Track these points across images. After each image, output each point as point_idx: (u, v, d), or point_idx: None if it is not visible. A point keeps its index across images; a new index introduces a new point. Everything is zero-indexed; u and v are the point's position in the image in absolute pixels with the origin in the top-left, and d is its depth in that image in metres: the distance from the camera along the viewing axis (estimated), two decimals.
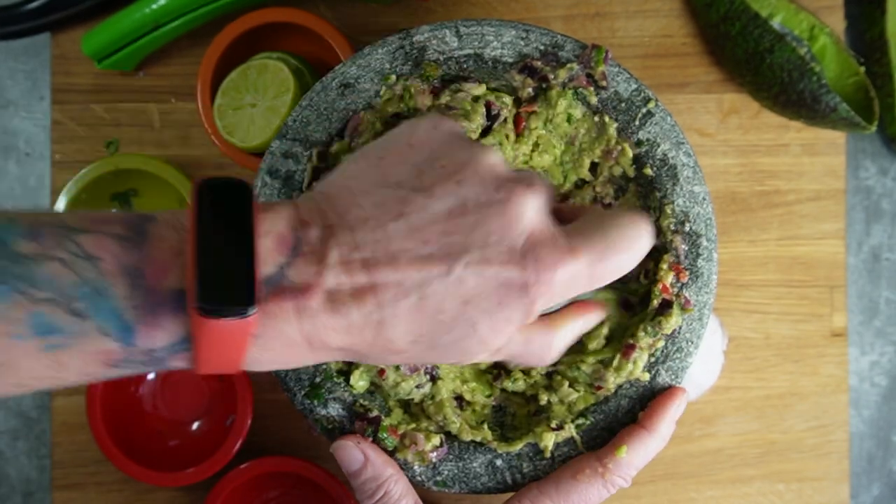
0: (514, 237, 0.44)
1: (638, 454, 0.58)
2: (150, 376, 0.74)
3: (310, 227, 0.44)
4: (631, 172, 0.60)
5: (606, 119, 0.59)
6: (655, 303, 0.59)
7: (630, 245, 0.48)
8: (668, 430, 0.59)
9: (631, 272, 0.50)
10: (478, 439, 0.60)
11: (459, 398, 0.62)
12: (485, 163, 0.46)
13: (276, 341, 0.43)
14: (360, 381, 0.60)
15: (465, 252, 0.44)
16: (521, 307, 0.45)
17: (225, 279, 0.41)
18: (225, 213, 0.42)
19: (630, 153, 0.59)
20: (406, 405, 0.62)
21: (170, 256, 0.42)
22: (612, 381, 0.59)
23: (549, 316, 0.52)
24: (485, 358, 0.48)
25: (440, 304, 0.44)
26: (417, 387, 0.60)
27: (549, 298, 0.46)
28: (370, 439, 0.58)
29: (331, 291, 0.43)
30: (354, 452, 0.57)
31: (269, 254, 0.43)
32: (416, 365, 0.60)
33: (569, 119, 0.60)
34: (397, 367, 0.60)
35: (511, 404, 0.62)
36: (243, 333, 0.42)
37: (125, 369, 0.43)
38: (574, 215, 0.52)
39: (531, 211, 0.45)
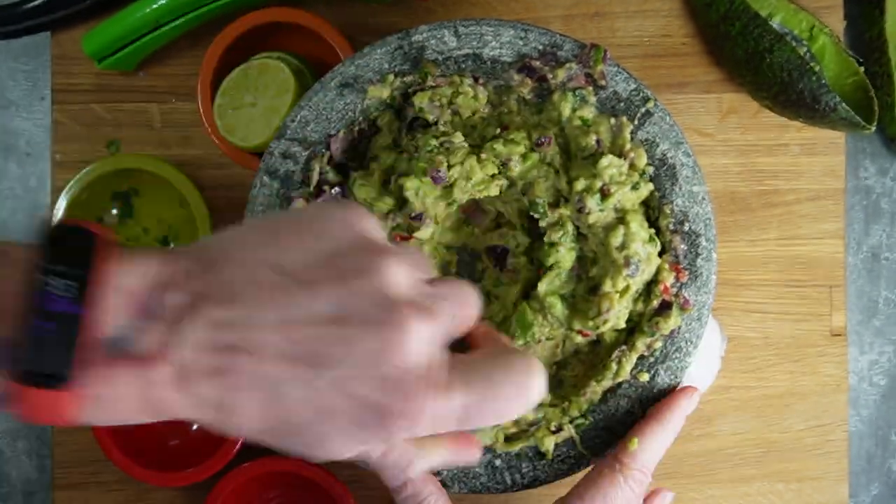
0: (389, 362, 0.41)
1: (650, 445, 0.58)
2: None
3: (175, 291, 0.40)
4: (649, 171, 0.60)
5: (624, 120, 0.59)
6: (655, 303, 0.59)
7: (515, 395, 0.44)
8: (679, 422, 0.59)
9: None
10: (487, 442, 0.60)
11: None
12: (386, 278, 0.41)
13: (112, 406, 0.40)
14: None
15: (333, 366, 0.40)
16: (377, 435, 0.42)
17: (52, 340, 0.38)
18: (69, 261, 0.39)
19: (644, 156, 0.59)
20: None
21: (5, 300, 0.39)
22: (598, 387, 0.60)
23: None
24: (336, 459, 0.44)
25: (293, 409, 0.41)
26: None
27: (411, 432, 0.42)
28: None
29: (182, 366, 0.40)
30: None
31: (116, 313, 0.40)
32: None
33: (583, 122, 0.60)
34: None
35: (574, 363, 0.62)
36: (69, 399, 0.39)
37: None
38: (480, 338, 0.50)
39: (416, 343, 0.41)
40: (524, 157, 0.59)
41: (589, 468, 0.59)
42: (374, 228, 0.45)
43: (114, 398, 0.40)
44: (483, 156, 0.58)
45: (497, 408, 0.44)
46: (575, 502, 0.58)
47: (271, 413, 0.41)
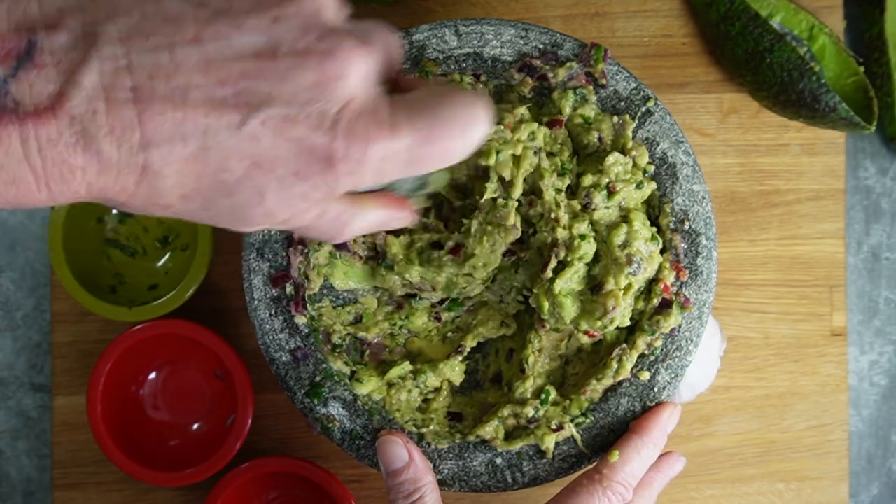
0: (329, 99, 0.37)
1: (631, 459, 0.57)
2: (151, 376, 0.74)
3: (57, 30, 0.34)
4: (650, 170, 0.60)
5: (627, 118, 0.59)
6: (655, 301, 0.59)
7: (461, 131, 0.40)
8: (661, 436, 0.58)
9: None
10: (487, 437, 0.60)
11: (455, 415, 0.63)
12: (314, 4, 0.38)
13: (3, 174, 0.35)
14: (367, 389, 0.61)
15: (267, 105, 0.36)
16: (322, 183, 0.38)
17: None
18: None
19: (646, 154, 0.59)
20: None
21: None
22: (598, 385, 0.60)
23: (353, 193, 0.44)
24: (267, 227, 0.41)
25: (225, 161, 0.36)
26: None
27: (358, 179, 0.38)
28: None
29: (80, 119, 0.34)
30: (401, 451, 0.56)
31: None
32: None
33: (585, 120, 0.59)
34: (409, 390, 0.61)
35: (575, 361, 0.62)
36: None
37: None
38: (411, 86, 0.45)
39: (355, 74, 0.37)
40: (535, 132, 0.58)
41: (591, 466, 0.59)
42: None
43: (3, 164, 0.35)
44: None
45: (445, 146, 0.40)
46: None
47: (198, 170, 0.36)
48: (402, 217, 0.48)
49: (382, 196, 0.46)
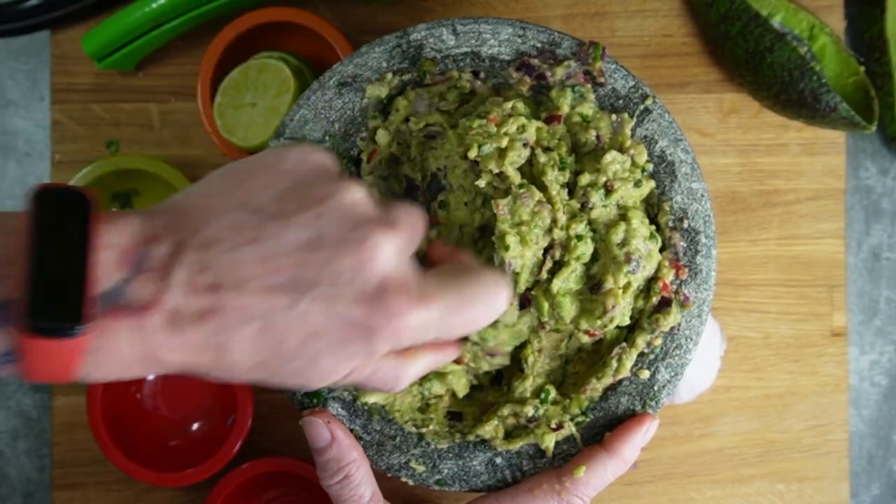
0: (366, 279, 0.44)
1: (597, 475, 0.58)
2: (151, 376, 0.74)
3: (157, 243, 0.43)
4: (649, 168, 0.60)
5: (625, 116, 0.59)
6: (655, 300, 0.59)
7: (485, 302, 0.48)
8: (631, 455, 0.59)
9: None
10: (487, 437, 0.60)
11: (455, 414, 0.62)
12: (347, 199, 0.45)
13: (110, 358, 0.42)
14: (373, 398, 0.61)
15: (314, 287, 0.43)
16: (363, 349, 0.45)
17: (55, 295, 0.40)
18: (63, 223, 0.41)
19: (645, 152, 0.59)
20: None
21: (5, 264, 0.40)
22: (598, 385, 0.60)
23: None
24: (330, 384, 0.47)
25: (283, 336, 0.43)
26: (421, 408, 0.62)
27: (396, 343, 0.45)
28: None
29: (172, 311, 0.42)
30: (322, 431, 0.57)
31: (108, 268, 0.41)
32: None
33: (583, 118, 0.59)
34: (413, 395, 0.61)
35: (575, 360, 0.62)
36: (72, 351, 0.40)
37: None
38: (442, 258, 0.53)
39: (386, 253, 0.45)
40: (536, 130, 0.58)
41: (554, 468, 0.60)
42: (328, 159, 0.48)
43: (113, 350, 0.41)
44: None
45: (473, 315, 0.48)
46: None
47: (262, 345, 0.43)
48: (450, 353, 0.55)
49: (430, 343, 0.51)
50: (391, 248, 0.45)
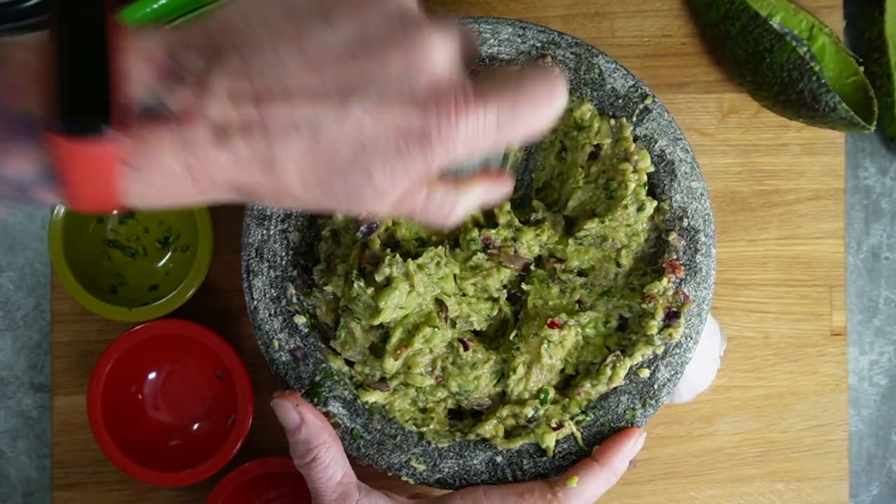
0: (417, 81, 0.41)
1: (589, 486, 0.58)
2: (151, 376, 0.74)
3: (194, 52, 0.40)
4: (650, 168, 0.60)
5: (623, 121, 0.59)
6: (659, 318, 0.59)
7: (545, 100, 0.44)
8: (621, 466, 0.59)
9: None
10: (487, 436, 0.60)
11: (455, 413, 0.63)
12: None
13: (155, 173, 0.40)
14: (373, 397, 0.61)
15: (363, 91, 0.40)
16: (420, 158, 0.42)
17: (84, 95, 0.37)
18: (88, 32, 0.38)
19: (648, 157, 0.59)
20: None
21: (29, 80, 0.38)
22: (594, 389, 0.60)
23: (455, 178, 0.48)
24: (384, 209, 0.44)
25: (334, 146, 0.41)
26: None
27: (451, 150, 0.42)
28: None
29: (216, 122, 0.39)
30: (291, 413, 0.57)
31: (140, 76, 0.39)
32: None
33: (577, 123, 0.60)
34: (414, 402, 0.61)
35: (587, 349, 0.63)
36: (109, 158, 0.38)
37: None
38: (486, 74, 0.48)
39: (438, 55, 0.41)
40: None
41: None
42: None
43: (156, 164, 0.39)
44: None
45: (533, 114, 0.43)
46: (496, 501, 0.58)
47: (313, 157, 0.41)
48: (502, 189, 0.51)
49: (482, 172, 0.49)
50: (444, 50, 0.41)
